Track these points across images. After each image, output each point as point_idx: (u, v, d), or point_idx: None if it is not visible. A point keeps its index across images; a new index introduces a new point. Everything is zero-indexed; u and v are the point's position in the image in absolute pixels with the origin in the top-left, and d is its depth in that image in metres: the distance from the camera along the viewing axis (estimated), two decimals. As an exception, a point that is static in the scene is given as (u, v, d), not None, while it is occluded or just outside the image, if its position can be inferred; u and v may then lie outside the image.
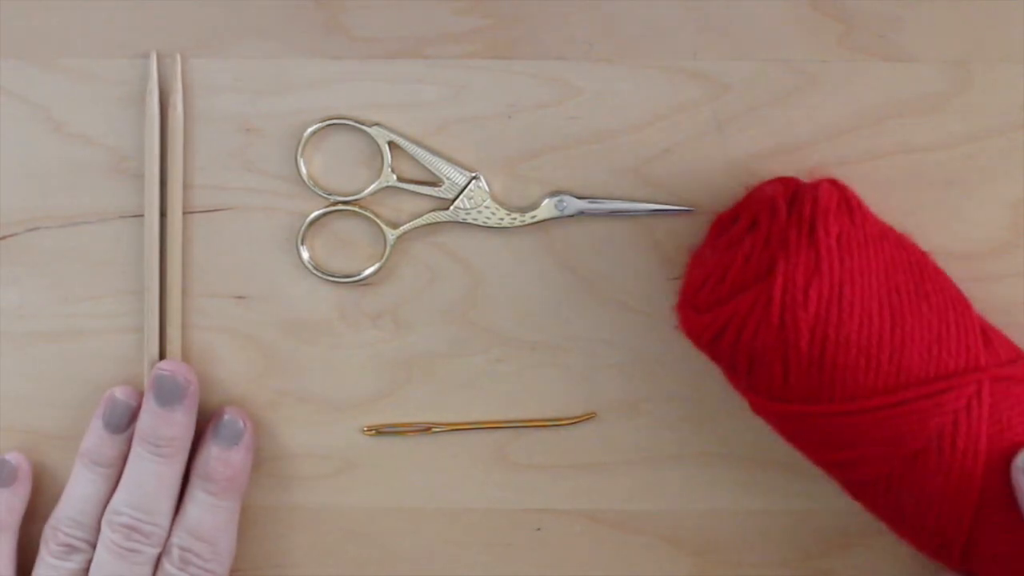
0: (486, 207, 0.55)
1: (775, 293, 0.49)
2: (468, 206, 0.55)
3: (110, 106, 0.56)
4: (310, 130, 0.55)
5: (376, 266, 0.56)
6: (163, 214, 0.56)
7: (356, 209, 0.56)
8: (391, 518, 0.57)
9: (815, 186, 0.51)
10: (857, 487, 0.52)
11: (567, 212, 0.55)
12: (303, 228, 0.56)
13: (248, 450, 0.55)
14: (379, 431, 0.56)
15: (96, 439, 0.55)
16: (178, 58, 0.55)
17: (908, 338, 0.49)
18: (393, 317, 0.57)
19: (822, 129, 0.55)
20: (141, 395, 0.55)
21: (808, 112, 0.55)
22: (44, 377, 0.57)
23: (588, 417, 0.57)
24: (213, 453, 0.55)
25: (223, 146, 0.56)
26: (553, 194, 0.55)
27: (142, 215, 0.56)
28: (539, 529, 0.57)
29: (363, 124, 0.55)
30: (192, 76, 0.55)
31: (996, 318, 0.54)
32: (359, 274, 0.56)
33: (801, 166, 0.55)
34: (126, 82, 0.56)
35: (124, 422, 0.55)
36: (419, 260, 0.56)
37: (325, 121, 0.55)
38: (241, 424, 0.55)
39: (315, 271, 0.56)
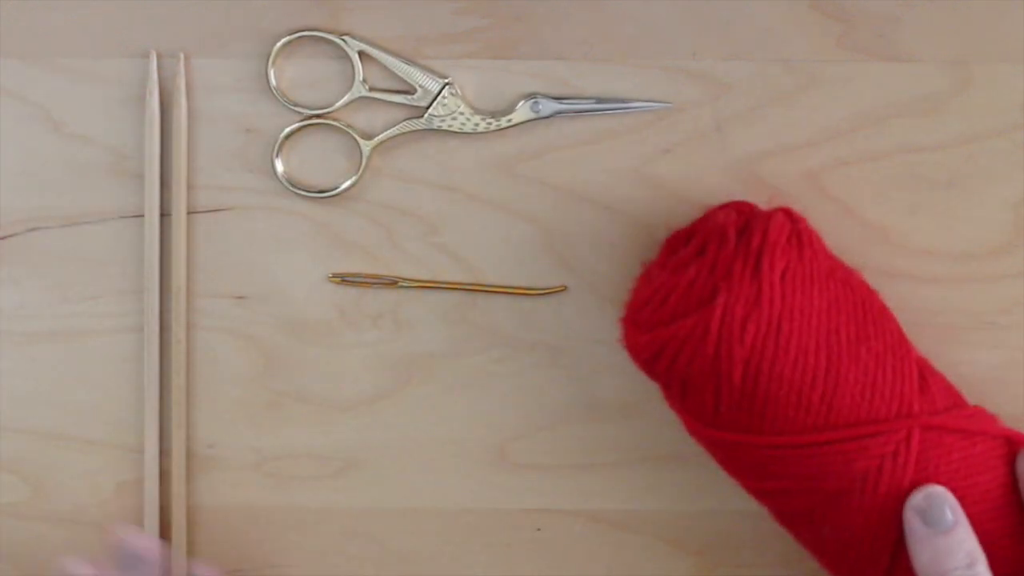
0: (460, 113, 0.55)
1: (713, 324, 0.49)
2: (442, 113, 0.55)
3: (110, 106, 0.56)
4: (279, 44, 0.55)
5: (352, 180, 0.56)
6: (163, 214, 0.56)
7: (330, 122, 0.55)
8: (391, 518, 0.57)
9: (768, 216, 0.51)
10: (783, 516, 0.52)
11: (543, 114, 0.55)
12: (278, 143, 0.55)
13: None
14: (344, 279, 0.56)
15: None
16: (182, 57, 0.55)
17: (842, 380, 0.49)
18: (393, 317, 0.57)
19: (822, 129, 0.55)
20: (94, 566, 0.54)
21: (808, 112, 0.55)
22: (44, 377, 0.57)
23: (560, 289, 0.56)
24: None
25: (223, 146, 0.56)
26: (528, 96, 0.55)
27: (142, 215, 0.56)
28: (539, 529, 0.57)
29: (332, 35, 0.55)
30: (192, 76, 0.56)
31: (996, 318, 0.54)
32: (335, 188, 0.56)
33: (801, 166, 0.55)
34: (126, 82, 0.56)
35: None
36: (419, 260, 0.56)
37: (294, 34, 0.55)
38: None
39: (291, 187, 0.56)
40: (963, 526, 0.48)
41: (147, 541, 0.54)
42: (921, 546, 0.48)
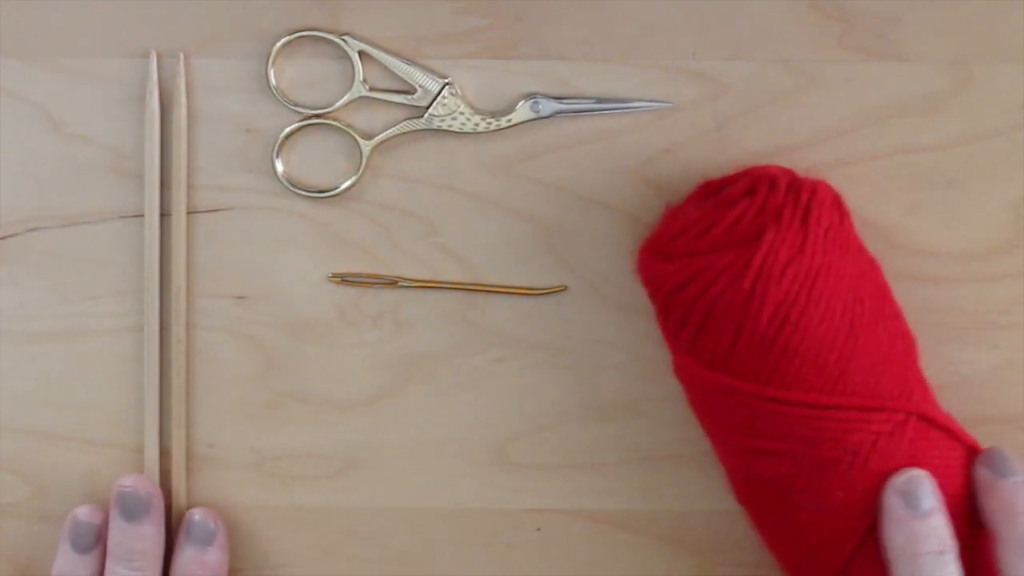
0: (460, 113, 0.55)
1: (756, 260, 0.49)
2: (442, 113, 0.55)
3: (110, 106, 0.56)
4: (279, 44, 0.55)
5: (352, 180, 0.56)
6: (163, 214, 0.56)
7: (330, 122, 0.55)
8: (391, 518, 0.57)
9: (815, 181, 0.51)
10: (754, 484, 0.52)
11: (543, 113, 0.55)
12: (278, 143, 0.55)
13: (222, 549, 0.55)
14: (344, 279, 0.56)
15: (66, 562, 0.54)
16: (182, 57, 0.55)
17: (859, 349, 0.49)
18: (393, 317, 0.57)
19: (822, 129, 0.55)
20: (104, 512, 0.55)
21: (808, 112, 0.55)
22: (44, 377, 0.57)
23: (560, 289, 0.56)
24: (189, 555, 0.55)
25: (223, 146, 0.56)
26: (528, 96, 0.55)
27: (142, 215, 0.56)
28: (539, 529, 0.57)
29: (332, 35, 0.55)
30: (192, 76, 0.56)
31: (996, 318, 0.54)
32: (335, 188, 0.56)
33: (801, 166, 0.55)
34: (126, 82, 0.56)
35: (91, 541, 0.54)
36: (419, 260, 0.56)
37: (294, 34, 0.55)
38: (212, 524, 0.55)
39: (291, 187, 0.56)
40: (940, 513, 0.49)
41: (151, 486, 0.55)
42: (897, 527, 0.48)
